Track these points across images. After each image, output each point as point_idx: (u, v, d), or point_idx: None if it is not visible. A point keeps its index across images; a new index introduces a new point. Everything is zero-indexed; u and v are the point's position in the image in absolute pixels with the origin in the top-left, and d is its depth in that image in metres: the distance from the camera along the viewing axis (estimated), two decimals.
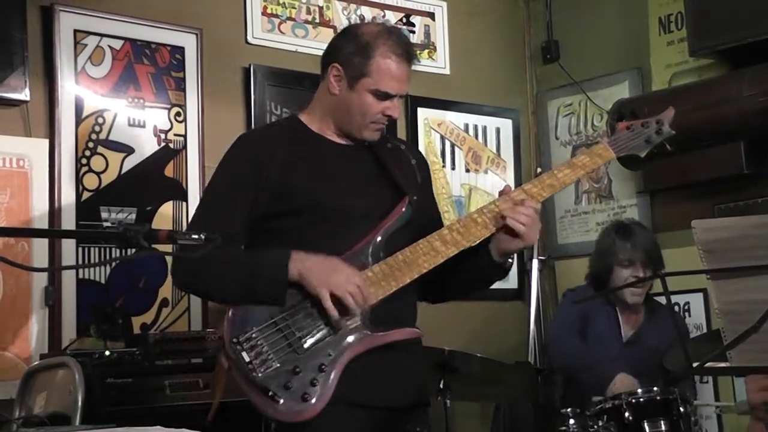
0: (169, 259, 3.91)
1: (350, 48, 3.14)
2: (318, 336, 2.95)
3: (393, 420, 3.09)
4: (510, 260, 3.21)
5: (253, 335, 2.91)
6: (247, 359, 2.89)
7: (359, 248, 3.05)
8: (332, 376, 2.93)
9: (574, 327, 4.61)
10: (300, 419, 2.88)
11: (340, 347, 2.96)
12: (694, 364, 2.73)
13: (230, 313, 2.97)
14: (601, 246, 4.65)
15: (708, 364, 2.74)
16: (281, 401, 2.87)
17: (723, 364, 2.68)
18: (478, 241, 3.12)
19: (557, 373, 4.78)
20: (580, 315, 4.62)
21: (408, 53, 3.16)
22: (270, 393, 2.86)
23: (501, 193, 3.17)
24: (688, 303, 5.14)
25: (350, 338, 2.98)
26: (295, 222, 3.07)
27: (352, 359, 2.97)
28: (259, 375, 2.88)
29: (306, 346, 2.93)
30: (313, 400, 2.89)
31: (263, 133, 3.34)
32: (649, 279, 4.41)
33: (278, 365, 2.90)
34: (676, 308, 5.11)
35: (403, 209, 3.13)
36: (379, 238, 3.07)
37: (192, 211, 4.28)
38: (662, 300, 4.61)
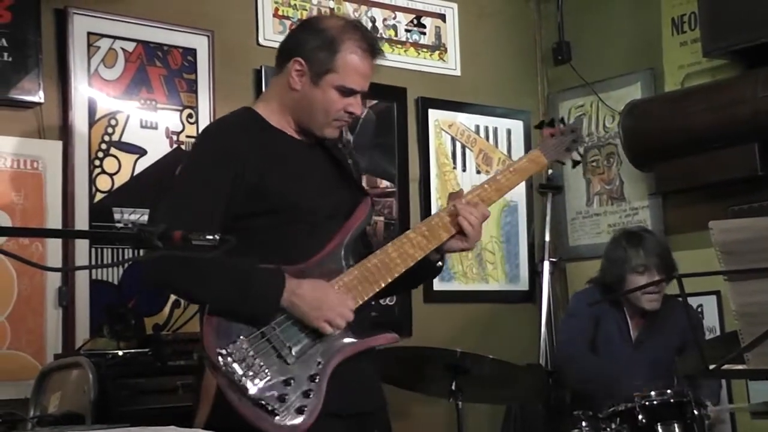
0: None
1: (315, 42, 3.06)
2: (305, 344, 2.91)
3: (363, 425, 3.06)
4: (443, 260, 3.27)
5: (243, 346, 2.83)
6: (240, 372, 2.80)
7: (331, 250, 3.02)
8: (323, 386, 2.89)
9: (584, 335, 4.58)
10: None
11: (328, 354, 2.93)
12: (711, 367, 2.71)
13: (212, 321, 2.86)
14: (612, 255, 4.60)
15: (724, 367, 2.73)
16: (280, 414, 2.80)
17: (740, 367, 2.67)
18: (441, 244, 3.15)
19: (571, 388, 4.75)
20: (591, 317, 4.60)
21: (373, 49, 3.11)
22: (270, 407, 2.79)
23: (453, 195, 3.21)
24: (701, 305, 5.11)
25: (337, 344, 2.95)
26: (269, 222, 2.99)
27: (336, 366, 2.94)
28: (254, 387, 2.80)
29: (295, 355, 2.88)
30: (309, 412, 2.84)
31: (231, 126, 3.13)
32: (664, 281, 4.38)
33: (270, 376, 2.83)
34: None
35: (368, 211, 3.12)
36: (347, 240, 3.04)
37: None
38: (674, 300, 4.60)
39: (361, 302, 2.99)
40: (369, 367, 3.12)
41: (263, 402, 2.79)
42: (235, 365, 2.80)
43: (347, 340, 2.97)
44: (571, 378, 4.64)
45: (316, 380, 2.88)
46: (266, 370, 2.83)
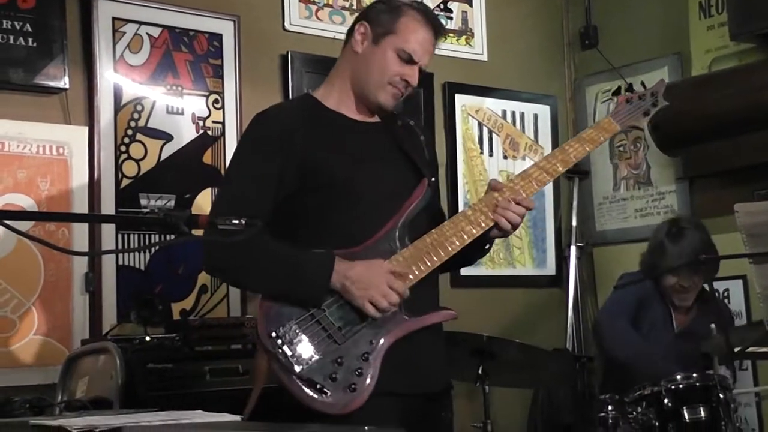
0: None
1: (381, 8, 3.17)
2: (356, 324, 2.93)
3: (426, 406, 3.08)
4: (491, 244, 3.27)
5: (292, 328, 2.89)
6: (289, 353, 2.86)
7: (385, 233, 3.03)
8: (376, 364, 2.91)
9: (628, 312, 4.54)
10: (348, 410, 2.85)
11: (380, 334, 2.94)
12: (736, 349, 2.70)
13: (264, 306, 2.94)
14: (652, 244, 4.58)
15: (750, 349, 2.72)
16: (329, 393, 2.84)
17: (766, 349, 2.66)
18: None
19: (604, 358, 4.72)
20: (636, 299, 4.56)
21: (435, 24, 3.17)
22: (318, 386, 2.83)
23: (494, 188, 3.14)
24: (727, 290, 5.09)
25: (389, 324, 2.96)
26: (320, 201, 3.03)
27: (391, 345, 2.95)
28: (304, 368, 2.85)
29: (345, 335, 2.91)
30: (360, 390, 2.87)
31: (281, 112, 3.23)
32: (695, 285, 4.36)
33: (320, 357, 2.87)
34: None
35: (424, 191, 3.11)
36: (402, 222, 3.05)
37: None
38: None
39: (414, 282, 2.99)
40: (438, 346, 3.14)
41: (313, 381, 2.84)
42: (285, 347, 2.86)
43: (399, 319, 2.97)
44: (605, 344, 4.60)
45: (368, 359, 2.90)
46: (316, 351, 2.88)
